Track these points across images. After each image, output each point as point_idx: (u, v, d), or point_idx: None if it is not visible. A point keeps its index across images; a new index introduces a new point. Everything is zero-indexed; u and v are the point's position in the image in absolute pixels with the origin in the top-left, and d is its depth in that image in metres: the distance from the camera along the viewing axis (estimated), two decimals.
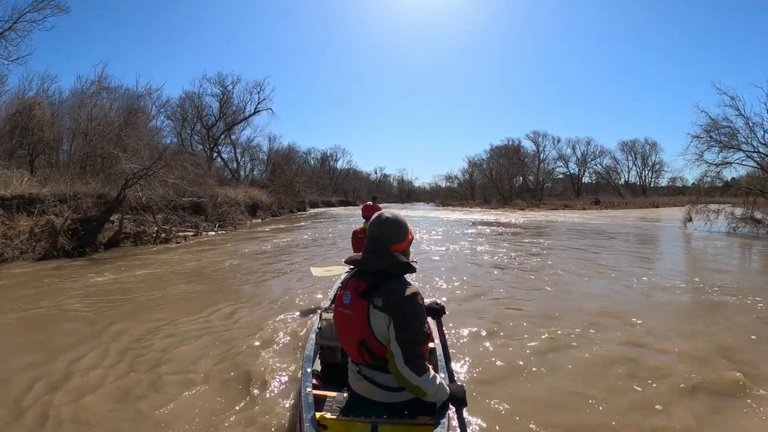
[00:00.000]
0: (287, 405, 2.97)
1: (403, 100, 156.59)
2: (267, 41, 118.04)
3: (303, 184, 42.26)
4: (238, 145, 43.30)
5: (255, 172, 43.69)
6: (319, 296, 6.00)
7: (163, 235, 12.81)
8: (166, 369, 3.64)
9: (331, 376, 2.73)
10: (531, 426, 2.75)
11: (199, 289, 6.86)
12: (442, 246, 12.74)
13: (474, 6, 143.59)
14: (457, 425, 1.88)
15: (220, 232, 16.62)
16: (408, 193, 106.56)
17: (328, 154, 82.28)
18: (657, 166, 74.20)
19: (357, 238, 4.90)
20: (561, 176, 74.34)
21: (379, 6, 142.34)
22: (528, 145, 71.58)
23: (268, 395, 3.15)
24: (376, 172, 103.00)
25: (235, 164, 42.97)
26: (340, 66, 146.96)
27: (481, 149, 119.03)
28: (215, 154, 40.35)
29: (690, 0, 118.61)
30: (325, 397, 2.13)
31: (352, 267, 1.99)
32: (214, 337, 4.47)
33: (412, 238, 1.98)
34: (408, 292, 1.77)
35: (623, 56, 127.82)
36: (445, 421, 1.77)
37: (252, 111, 40.61)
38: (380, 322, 1.77)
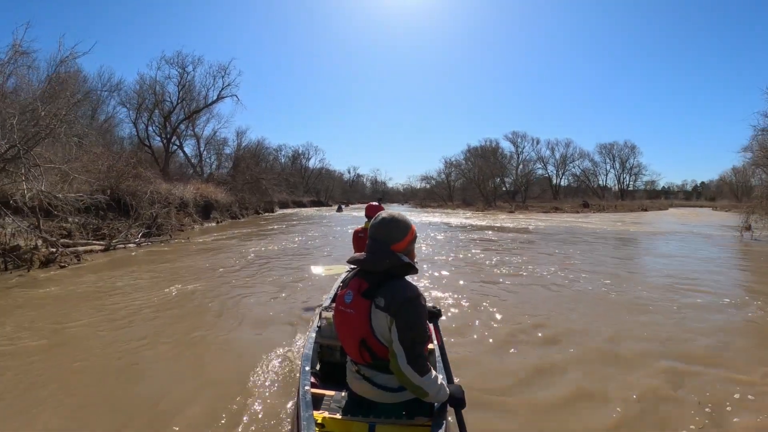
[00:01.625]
0: (285, 403, 2.94)
1: (379, 99, 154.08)
2: (235, 28, 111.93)
3: (271, 181, 37.47)
4: (203, 139, 38.50)
5: (222, 170, 38.86)
6: (319, 295, 5.81)
7: (46, 251, 8.29)
8: (165, 368, 3.62)
9: (329, 375, 2.69)
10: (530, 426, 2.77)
11: None
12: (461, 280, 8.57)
13: (452, 6, 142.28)
14: (454, 426, 1.89)
15: (145, 243, 11.96)
16: (382, 194, 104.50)
17: (300, 151, 78.43)
18: (635, 169, 73.49)
19: (358, 237, 4.76)
20: (539, 178, 72.39)
21: (356, 4, 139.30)
22: (506, 146, 70.29)
23: (266, 393, 3.11)
24: (349, 172, 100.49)
25: (199, 160, 38.12)
26: (314, 62, 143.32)
27: (458, 150, 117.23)
28: (175, 147, 35.32)
29: (671, 2, 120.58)
30: (324, 396, 2.15)
31: (353, 267, 1.98)
32: (213, 335, 4.46)
33: (415, 236, 1.96)
34: (411, 293, 1.76)
35: (604, 58, 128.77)
36: (442, 422, 1.77)
37: (215, 97, 35.42)
38: (381, 322, 1.76)
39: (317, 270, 5.78)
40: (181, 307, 5.54)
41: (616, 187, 74.03)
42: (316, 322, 3.15)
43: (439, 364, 2.27)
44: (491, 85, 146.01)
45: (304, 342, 3.42)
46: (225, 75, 34.87)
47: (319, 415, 1.90)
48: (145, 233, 12.71)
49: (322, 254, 10.61)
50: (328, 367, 2.83)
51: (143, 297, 5.95)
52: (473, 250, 11.46)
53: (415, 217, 32.17)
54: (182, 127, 35.61)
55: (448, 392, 1.82)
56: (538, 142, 70.30)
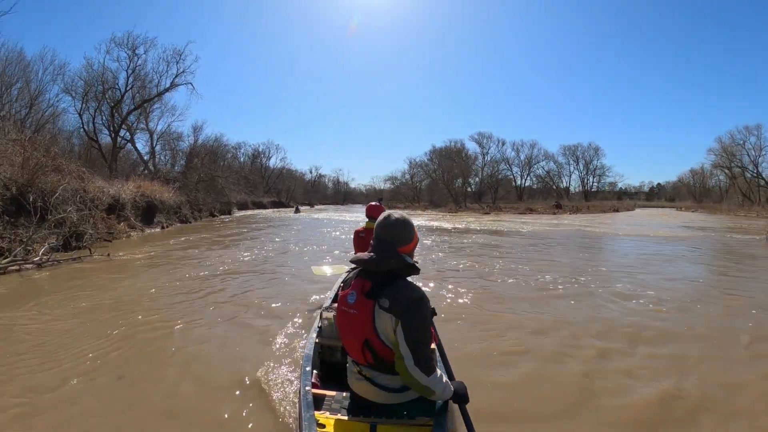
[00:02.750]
0: (286, 403, 2.89)
1: (342, 99, 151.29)
2: (193, 11, 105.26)
3: (228, 180, 33.65)
4: (157, 134, 34.30)
5: (177, 168, 34.77)
6: (320, 295, 5.84)
7: None
8: (163, 366, 3.60)
9: (330, 375, 2.67)
10: (529, 423, 2.76)
11: None
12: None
13: (417, 6, 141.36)
14: (454, 426, 2.06)
15: (49, 262, 8.45)
16: (344, 195, 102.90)
17: (261, 150, 74.35)
18: (599, 170, 74.21)
19: (359, 237, 4.68)
20: (504, 179, 71.96)
21: (320, 2, 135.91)
22: (472, 147, 69.85)
23: (267, 393, 3.07)
24: (311, 172, 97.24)
25: (151, 157, 33.87)
26: (277, 56, 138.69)
27: (422, 151, 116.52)
28: (124, 142, 30.97)
29: (636, 6, 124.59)
30: (324, 396, 2.15)
31: (354, 267, 1.98)
32: (212, 333, 4.47)
33: (418, 239, 1.97)
34: (416, 294, 1.76)
35: (569, 60, 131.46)
36: (444, 421, 1.78)
37: (168, 84, 31.04)
38: (385, 323, 1.75)
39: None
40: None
41: (580, 188, 74.92)
42: (317, 323, 3.17)
43: (439, 363, 2.21)
44: (456, 86, 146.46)
45: (305, 342, 3.37)
46: (180, 60, 30.68)
47: (321, 415, 1.91)
48: (54, 246, 9.23)
49: (306, 272, 7.76)
50: (329, 367, 2.78)
51: None
52: (508, 262, 8.95)
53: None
54: (132, 119, 31.46)
55: (453, 389, 1.82)
56: (503, 144, 70.34)
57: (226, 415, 2.79)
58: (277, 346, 4.02)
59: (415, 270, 1.88)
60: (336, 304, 2.21)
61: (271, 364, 3.57)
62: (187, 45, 32.52)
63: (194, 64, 35.44)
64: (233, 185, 34.22)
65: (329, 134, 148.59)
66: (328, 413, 1.96)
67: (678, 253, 11.76)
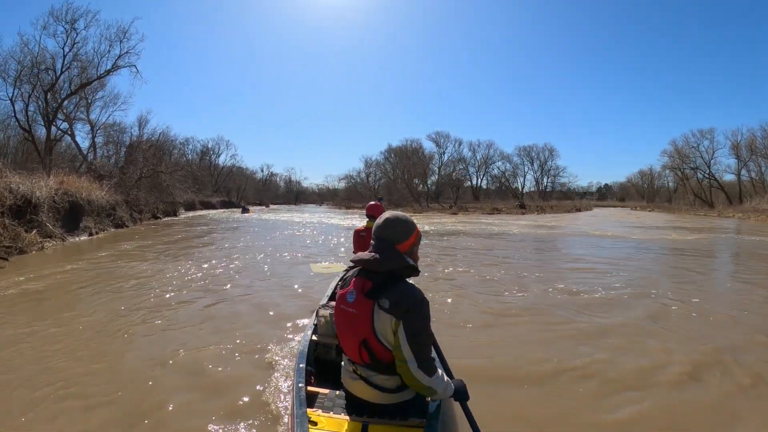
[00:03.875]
0: (279, 400, 2.88)
1: (295, 95, 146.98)
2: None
3: (174, 177, 29.78)
4: (98, 125, 30.12)
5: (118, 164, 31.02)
6: (316, 293, 5.84)
7: None
8: (159, 362, 3.52)
9: (324, 373, 2.62)
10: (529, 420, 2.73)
11: None
12: None
13: (375, 4, 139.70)
14: (446, 428, 2.12)
15: None
16: (296, 194, 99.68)
17: (210, 146, 69.35)
18: (553, 171, 75.31)
19: (360, 236, 4.62)
20: (461, 179, 71.59)
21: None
22: (429, 147, 69.02)
23: (260, 390, 3.05)
24: (262, 170, 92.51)
25: (94, 152, 29.76)
26: (230, 49, 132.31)
27: (378, 150, 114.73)
28: (60, 133, 26.76)
29: (594, 8, 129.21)
30: (318, 393, 2.14)
31: (352, 265, 2.00)
32: (208, 330, 4.42)
33: (419, 235, 1.95)
34: (417, 296, 1.75)
35: (524, 62, 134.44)
36: (436, 422, 1.79)
37: (111, 66, 26.83)
38: (385, 323, 1.74)
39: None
40: None
41: (534, 188, 75.99)
42: (312, 320, 3.14)
43: (437, 361, 2.09)
44: (413, 85, 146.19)
45: (300, 339, 3.35)
46: (124, 39, 26.53)
47: (313, 413, 1.91)
48: None
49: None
50: (323, 365, 2.75)
51: None
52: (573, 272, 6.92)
53: (326, 217, 27.35)
54: (71, 107, 27.38)
55: (453, 387, 1.84)
56: (460, 144, 70.07)
57: (219, 412, 2.75)
58: (273, 342, 3.99)
59: (415, 272, 1.88)
60: (333, 303, 2.68)
61: (266, 361, 3.56)
62: (133, 22, 28.37)
63: (140, 45, 31.31)
64: (179, 183, 30.27)
65: (282, 131, 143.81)
66: (320, 411, 1.95)
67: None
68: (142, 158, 27.75)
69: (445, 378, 1.82)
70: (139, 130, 33.83)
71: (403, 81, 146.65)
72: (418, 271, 1.90)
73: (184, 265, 8.45)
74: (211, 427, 2.59)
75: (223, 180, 68.78)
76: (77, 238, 12.92)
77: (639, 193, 76.17)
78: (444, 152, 68.78)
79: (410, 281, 1.87)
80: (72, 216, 13.76)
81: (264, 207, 66.59)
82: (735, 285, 7.32)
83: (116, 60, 26.75)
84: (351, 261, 1.97)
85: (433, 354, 2.01)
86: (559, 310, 5.31)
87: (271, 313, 5.09)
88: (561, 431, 2.69)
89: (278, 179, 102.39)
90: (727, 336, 4.40)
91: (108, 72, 27.07)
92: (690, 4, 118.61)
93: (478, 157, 71.90)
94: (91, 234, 13.98)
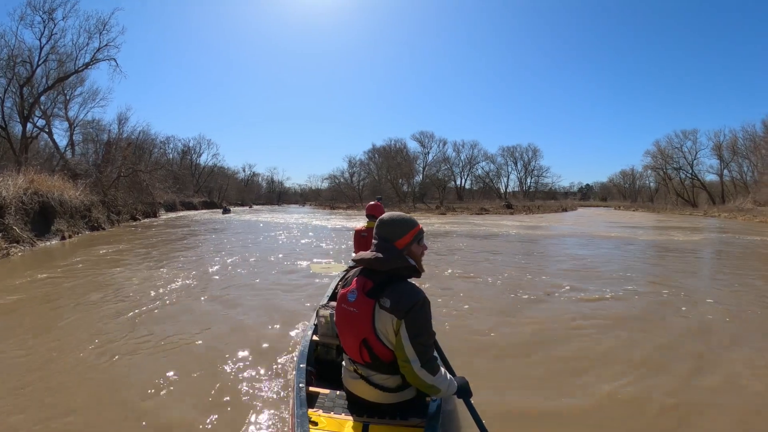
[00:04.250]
0: (280, 401, 2.87)
1: (278, 95, 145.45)
2: None
3: (154, 176, 28.44)
4: (76, 123, 28.76)
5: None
6: (316, 292, 5.74)
7: None
8: (158, 361, 3.50)
9: (324, 373, 2.60)
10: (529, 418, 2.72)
11: None
12: None
13: (358, 4, 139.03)
14: (446, 428, 2.16)
15: None
16: (279, 194, 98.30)
17: (191, 145, 67.58)
18: (537, 171, 75.72)
19: (360, 237, 4.60)
20: (447, 179, 71.22)
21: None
22: (414, 147, 68.52)
23: (260, 390, 3.03)
24: (244, 170, 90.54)
25: (71, 151, 28.23)
26: (211, 44, 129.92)
27: (362, 150, 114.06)
28: (36, 130, 25.37)
29: (579, 9, 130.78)
30: (318, 393, 2.13)
31: (353, 265, 2.06)
32: (208, 328, 4.40)
33: (419, 233, 1.93)
34: (419, 296, 1.75)
35: (509, 62, 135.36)
36: (436, 423, 1.80)
37: (90, 59, 25.40)
38: (386, 323, 1.75)
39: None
40: None
41: (518, 188, 76.24)
42: (313, 320, 3.13)
43: (438, 361, 2.06)
44: (398, 85, 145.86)
45: (300, 339, 3.31)
46: (104, 31, 25.13)
47: (314, 413, 1.91)
48: None
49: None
50: (324, 365, 2.72)
51: None
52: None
53: (324, 221, 26.24)
54: (48, 103, 26.06)
55: (456, 385, 1.85)
56: (444, 144, 69.66)
57: (219, 411, 2.73)
58: (273, 342, 3.94)
59: (416, 272, 1.88)
60: (333, 303, 2.65)
61: (266, 361, 3.51)
62: (113, 13, 27.08)
63: (120, 37, 30.05)
64: (160, 183, 28.94)
65: (265, 130, 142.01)
66: (321, 411, 1.95)
67: None
68: (121, 157, 26.38)
69: (448, 376, 1.83)
70: (119, 127, 32.40)
71: (387, 81, 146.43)
72: (419, 272, 1.89)
73: (171, 270, 7.67)
74: (211, 427, 2.57)
75: (204, 180, 67.19)
76: (48, 243, 11.88)
77: (621, 193, 77.29)
78: (429, 152, 68.42)
79: (412, 281, 1.86)
80: (42, 218, 12.70)
81: (248, 207, 65.28)
82: None
83: (95, 53, 25.46)
84: (352, 260, 1.97)
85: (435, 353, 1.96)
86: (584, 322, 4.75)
87: (271, 313, 5.01)
88: (565, 427, 2.68)
89: (260, 179, 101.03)
90: None
91: (87, 65, 25.72)
92: (675, 6, 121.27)
93: (462, 157, 71.48)
94: (63, 238, 12.91)
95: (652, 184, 66.75)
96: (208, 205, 52.17)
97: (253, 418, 2.65)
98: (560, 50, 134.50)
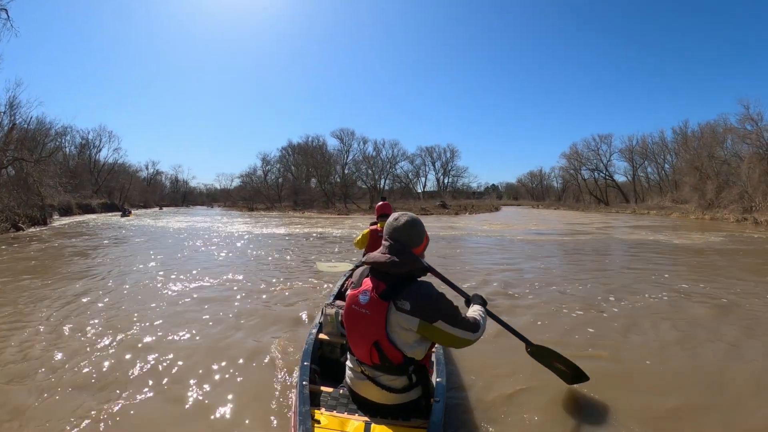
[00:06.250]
0: (282, 398, 2.84)
1: (186, 90, 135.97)
2: None
3: (43, 170, 23.88)
4: None
5: None
6: (322, 291, 5.80)
7: None
8: (157, 360, 3.45)
9: (329, 371, 2.63)
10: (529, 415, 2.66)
11: None
12: None
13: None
14: (447, 429, 2.15)
15: None
16: (184, 195, 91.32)
17: (90, 138, 60.04)
18: (454, 171, 78.80)
19: (377, 236, 4.56)
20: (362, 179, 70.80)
21: None
22: (333, 144, 66.80)
23: (263, 387, 3.01)
24: (147, 168, 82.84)
25: None
26: (116, 33, 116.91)
27: (275, 147, 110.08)
28: None
29: (494, 14, 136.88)
30: (321, 392, 2.12)
31: (359, 264, 2.07)
32: (210, 327, 4.37)
33: (428, 239, 2.01)
34: (434, 294, 1.80)
35: (427, 62, 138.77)
36: (438, 423, 1.78)
37: None
38: (402, 324, 1.76)
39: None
40: None
41: (435, 188, 78.29)
42: (318, 319, 3.11)
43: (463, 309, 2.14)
44: (316, 83, 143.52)
45: (304, 337, 3.15)
46: None
47: (317, 411, 1.91)
48: None
49: None
50: (328, 363, 2.73)
51: None
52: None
53: (256, 227, 23.72)
54: None
55: (480, 306, 2.11)
56: (365, 142, 68.73)
57: (223, 408, 2.71)
58: (277, 339, 3.93)
59: (423, 272, 1.93)
60: (338, 301, 2.73)
61: (270, 358, 3.50)
62: None
63: None
64: (52, 180, 24.68)
65: (170, 125, 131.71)
66: (324, 409, 1.94)
67: None
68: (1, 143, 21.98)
69: (478, 315, 1.96)
70: (10, 113, 25.51)
71: (309, 76, 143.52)
72: (426, 272, 1.96)
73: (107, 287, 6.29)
74: (214, 424, 2.56)
75: (104, 179, 59.99)
76: None
77: (529, 192, 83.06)
78: (349, 150, 67.11)
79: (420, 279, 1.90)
80: None
81: (157, 209, 59.90)
82: None
83: None
84: (365, 261, 1.96)
85: (456, 304, 1.93)
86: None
87: (276, 310, 5.03)
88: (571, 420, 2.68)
89: (164, 178, 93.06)
90: None
91: None
92: (592, 10, 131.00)
93: (383, 156, 71.25)
94: None
95: (558, 184, 72.87)
96: (109, 208, 46.64)
97: (255, 415, 2.63)
98: (476, 54, 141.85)
